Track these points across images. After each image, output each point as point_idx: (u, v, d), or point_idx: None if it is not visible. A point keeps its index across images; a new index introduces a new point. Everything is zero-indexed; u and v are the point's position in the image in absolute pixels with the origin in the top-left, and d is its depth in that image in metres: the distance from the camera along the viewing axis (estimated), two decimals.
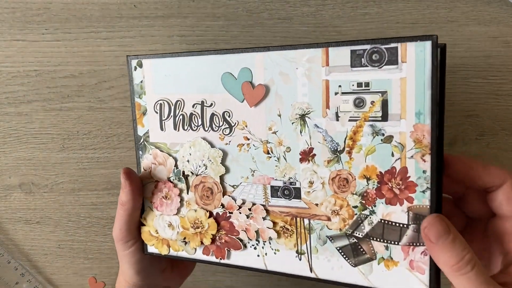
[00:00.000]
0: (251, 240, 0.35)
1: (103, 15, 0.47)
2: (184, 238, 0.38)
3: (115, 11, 0.47)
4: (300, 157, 0.32)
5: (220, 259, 0.37)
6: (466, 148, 0.48)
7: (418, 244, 0.30)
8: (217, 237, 0.36)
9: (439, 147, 0.29)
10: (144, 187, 0.39)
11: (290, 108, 0.32)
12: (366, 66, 0.29)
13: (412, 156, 0.29)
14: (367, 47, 0.29)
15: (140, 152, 0.38)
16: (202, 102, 0.35)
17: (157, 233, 0.39)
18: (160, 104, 0.37)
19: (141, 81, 0.37)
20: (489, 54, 0.45)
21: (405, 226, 0.30)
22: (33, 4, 0.48)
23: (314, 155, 0.32)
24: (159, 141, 0.37)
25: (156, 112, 0.37)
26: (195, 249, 0.38)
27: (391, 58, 0.29)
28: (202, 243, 0.37)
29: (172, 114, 0.36)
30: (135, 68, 0.37)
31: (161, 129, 0.37)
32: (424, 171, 0.28)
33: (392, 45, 0.28)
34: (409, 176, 0.29)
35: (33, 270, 0.55)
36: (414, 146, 0.29)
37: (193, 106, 0.35)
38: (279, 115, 0.33)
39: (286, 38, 0.46)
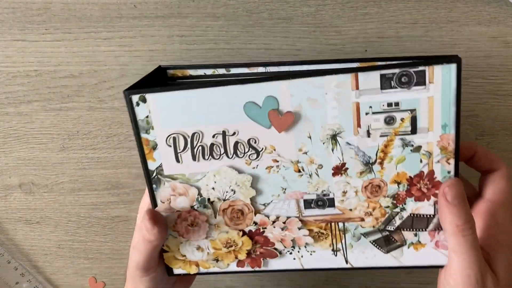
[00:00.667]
0: (286, 247, 0.43)
1: (103, 15, 0.51)
2: (216, 257, 0.43)
3: (115, 11, 0.50)
4: (333, 171, 0.38)
5: (256, 268, 0.44)
6: None
7: (442, 228, 0.39)
8: (252, 251, 0.42)
9: (457, 150, 0.37)
10: (166, 218, 0.41)
11: (321, 129, 0.37)
12: (396, 87, 0.35)
13: (438, 161, 0.37)
14: (397, 71, 0.34)
15: (155, 186, 0.40)
16: (224, 132, 0.38)
17: (184, 257, 0.43)
18: (174, 138, 0.38)
19: (147, 116, 0.37)
20: (489, 54, 0.51)
21: (431, 216, 0.39)
22: (33, 4, 0.51)
23: (347, 168, 0.38)
24: (176, 173, 0.40)
25: (170, 146, 0.39)
26: (228, 264, 0.45)
27: (419, 80, 0.34)
28: (236, 258, 0.43)
29: (189, 146, 0.38)
30: (138, 104, 0.37)
31: (177, 161, 0.39)
32: (448, 172, 0.37)
33: (421, 68, 0.34)
34: (436, 177, 0.37)
35: (33, 270, 0.61)
36: (440, 153, 0.36)
37: (213, 137, 0.38)
38: (309, 137, 0.37)
39: (286, 38, 0.50)
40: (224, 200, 0.41)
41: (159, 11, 0.50)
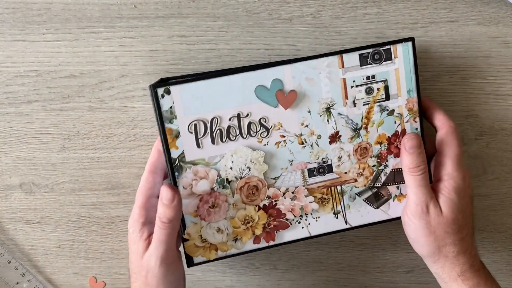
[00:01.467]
0: (296, 216, 0.51)
1: (104, 16, 0.53)
2: (235, 236, 0.50)
3: (116, 12, 0.53)
4: (329, 140, 0.49)
5: (270, 242, 0.52)
6: (465, 148, 0.59)
7: None
8: (267, 224, 0.50)
9: (421, 109, 0.50)
10: (186, 205, 0.48)
11: (317, 104, 0.48)
12: (371, 64, 0.47)
13: (407, 121, 0.50)
14: (370, 50, 0.47)
15: (177, 173, 0.47)
16: (239, 114, 0.47)
17: (204, 242, 0.49)
18: (195, 124, 0.46)
19: (171, 107, 0.45)
20: (488, 54, 0.54)
21: None
22: (33, 4, 0.53)
23: (340, 136, 0.49)
24: (196, 158, 0.47)
25: (191, 133, 0.46)
26: (246, 242, 0.51)
27: (387, 56, 0.48)
28: (254, 233, 0.50)
29: (209, 130, 0.46)
30: (163, 96, 0.45)
31: (198, 146, 0.47)
32: (416, 128, 0.50)
33: (387, 47, 0.47)
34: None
35: (33, 270, 0.62)
36: (408, 113, 0.49)
37: (229, 120, 0.47)
38: (309, 111, 0.48)
39: (286, 39, 0.54)
40: (241, 178, 0.48)
41: (159, 11, 0.53)
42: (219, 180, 0.48)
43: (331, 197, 0.51)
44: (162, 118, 0.46)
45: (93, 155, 0.57)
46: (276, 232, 0.51)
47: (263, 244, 0.51)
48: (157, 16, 0.53)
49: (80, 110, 0.56)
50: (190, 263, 0.50)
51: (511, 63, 0.55)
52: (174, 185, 0.47)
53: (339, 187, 0.51)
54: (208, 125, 0.47)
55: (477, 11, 0.53)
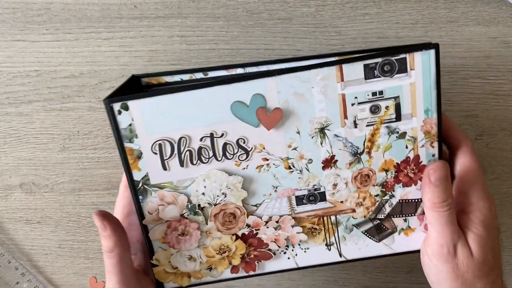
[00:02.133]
0: (280, 247, 0.45)
1: (104, 16, 0.54)
2: (209, 265, 0.45)
3: (116, 12, 0.54)
4: (323, 165, 0.42)
5: (250, 272, 0.47)
6: None
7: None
8: (246, 255, 0.45)
9: (440, 133, 0.41)
10: (153, 230, 0.43)
11: (309, 124, 0.40)
12: (379, 76, 0.39)
13: (423, 145, 0.41)
14: (379, 60, 0.38)
15: (141, 197, 0.42)
16: (212, 134, 0.40)
17: (175, 269, 0.45)
18: (160, 144, 0.40)
19: (130, 125, 0.39)
20: (488, 54, 0.54)
21: (419, 200, 0.43)
22: (33, 4, 0.54)
23: (336, 161, 0.42)
24: (163, 181, 0.41)
25: (155, 153, 0.40)
26: (222, 271, 0.47)
27: (401, 67, 0.38)
28: (230, 263, 0.45)
29: (176, 152, 0.40)
30: (119, 112, 0.38)
31: (164, 169, 0.41)
32: (433, 155, 0.41)
33: (402, 56, 0.38)
34: (421, 161, 0.42)
35: (33, 270, 0.65)
36: (424, 137, 0.41)
37: (201, 140, 0.40)
38: (298, 132, 0.40)
39: (286, 39, 0.54)
40: (215, 204, 0.43)
41: (159, 11, 0.54)
42: (189, 206, 0.42)
43: (323, 228, 0.44)
44: (120, 137, 0.40)
45: (93, 155, 0.59)
46: (258, 262, 0.45)
47: (242, 273, 0.46)
48: (157, 16, 0.54)
49: (80, 110, 0.58)
50: None
51: (511, 63, 0.55)
52: (103, 211, 0.41)
53: (333, 217, 0.44)
54: (176, 146, 0.40)
55: (477, 11, 0.53)
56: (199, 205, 0.42)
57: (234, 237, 0.44)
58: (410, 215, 0.44)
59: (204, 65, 0.54)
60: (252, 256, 0.45)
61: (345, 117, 0.40)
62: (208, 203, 0.43)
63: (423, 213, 0.44)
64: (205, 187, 0.42)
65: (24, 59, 0.56)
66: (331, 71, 0.38)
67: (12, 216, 0.63)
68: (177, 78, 0.46)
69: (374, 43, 0.54)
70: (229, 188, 0.42)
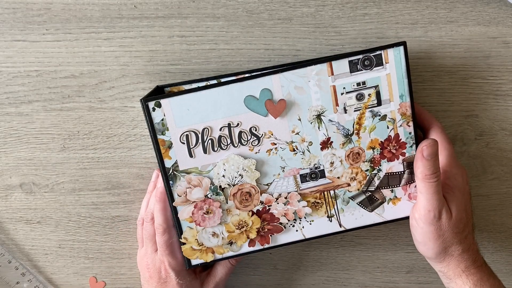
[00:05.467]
0: (289, 220, 0.61)
1: (104, 16, 0.62)
2: (230, 240, 0.60)
3: (116, 12, 0.62)
4: (321, 146, 0.58)
5: (265, 245, 0.63)
6: (465, 148, 0.68)
7: (412, 181, 0.60)
8: (261, 229, 0.61)
9: (414, 114, 0.58)
10: (182, 211, 0.58)
11: (308, 111, 0.56)
12: (361, 70, 0.56)
13: (400, 125, 0.58)
14: (360, 56, 0.55)
15: (171, 182, 0.57)
16: (229, 124, 0.56)
17: (201, 245, 0.60)
18: (187, 135, 0.56)
19: (162, 119, 0.55)
20: (488, 54, 0.62)
21: (402, 172, 0.60)
22: (33, 4, 0.62)
23: (332, 142, 0.58)
24: (190, 167, 0.57)
25: (183, 143, 0.56)
26: (241, 246, 0.62)
27: (378, 62, 0.56)
28: (248, 237, 0.61)
29: (200, 141, 0.56)
30: (154, 109, 0.55)
31: (191, 156, 0.57)
32: (410, 133, 0.58)
33: (378, 52, 0.55)
34: (401, 139, 0.58)
35: (33, 270, 0.73)
36: (401, 118, 0.58)
37: (220, 130, 0.56)
38: (299, 119, 0.57)
39: (286, 39, 0.63)
40: (234, 185, 0.58)
41: (160, 11, 0.62)
42: (212, 187, 0.58)
43: (324, 201, 0.60)
44: (154, 130, 0.56)
45: (93, 155, 0.68)
46: (271, 235, 0.61)
47: (258, 246, 0.61)
48: (157, 16, 0.62)
49: (80, 110, 0.66)
50: (189, 264, 0.61)
51: (510, 63, 0.63)
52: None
53: (332, 192, 0.60)
54: (200, 135, 0.56)
55: (477, 11, 0.61)
56: (220, 186, 0.58)
57: (250, 213, 0.59)
58: (395, 186, 0.60)
59: (204, 65, 0.63)
60: (266, 229, 0.61)
61: (337, 104, 0.57)
62: (228, 184, 0.58)
63: (406, 183, 0.60)
64: (225, 170, 0.58)
65: (24, 59, 0.64)
66: (323, 67, 0.55)
67: (12, 216, 0.71)
68: (194, 85, 0.62)
69: (374, 43, 0.63)
70: (245, 170, 0.58)
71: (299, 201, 0.60)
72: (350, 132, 0.58)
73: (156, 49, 0.63)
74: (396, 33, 0.62)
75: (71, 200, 0.70)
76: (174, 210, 0.59)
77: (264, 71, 0.56)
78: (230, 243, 0.61)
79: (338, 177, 0.60)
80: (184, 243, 0.60)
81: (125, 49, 0.63)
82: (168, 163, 0.57)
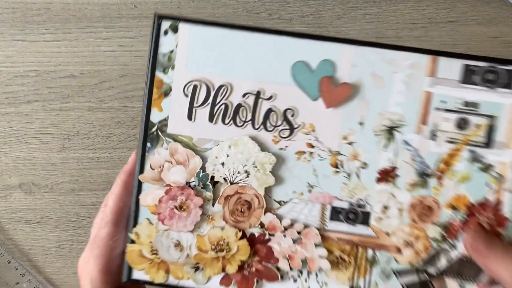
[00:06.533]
0: (292, 269, 0.42)
1: (103, 15, 0.64)
2: (197, 264, 0.42)
3: (115, 11, 0.64)
4: (378, 176, 0.40)
5: None
6: None
7: (496, 284, 0.40)
8: (246, 265, 0.42)
9: None
10: (146, 192, 0.41)
11: (377, 116, 0.39)
12: (478, 84, 0.38)
13: (510, 191, 0.40)
14: (484, 64, 0.38)
15: (149, 145, 0.41)
16: (258, 92, 0.40)
17: (154, 254, 0.42)
18: (195, 86, 0.40)
19: (171, 51, 0.40)
20: (489, 54, 0.57)
21: None
22: (33, 4, 0.64)
23: (396, 175, 0.40)
24: (182, 133, 0.41)
25: (186, 96, 0.40)
26: (210, 277, 0.44)
27: (508, 81, 0.38)
28: (223, 270, 0.43)
29: (210, 101, 0.40)
30: (166, 32, 0.40)
31: (189, 118, 0.40)
32: None
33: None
34: (503, 212, 0.39)
35: (33, 270, 0.73)
36: None
37: (243, 96, 0.40)
38: (361, 123, 0.39)
39: None
40: (232, 183, 0.41)
41: (159, 11, 0.59)
42: (201, 175, 0.41)
43: (353, 262, 0.42)
44: (155, 62, 0.40)
45: (93, 155, 0.68)
46: (257, 280, 0.42)
47: None
48: None
49: (80, 110, 0.67)
50: (128, 276, 0.43)
51: None
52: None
53: (370, 251, 0.41)
54: (212, 93, 0.40)
55: (477, 11, 0.62)
56: (212, 177, 0.41)
57: (239, 234, 0.41)
58: (469, 280, 0.41)
59: None
60: (253, 269, 0.42)
61: (424, 122, 0.39)
62: (224, 179, 0.41)
63: (490, 283, 0.42)
64: (227, 156, 0.41)
65: (24, 59, 0.66)
66: (422, 60, 0.38)
67: (11, 216, 0.71)
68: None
69: None
70: (256, 167, 0.41)
71: (317, 245, 0.41)
72: (429, 171, 0.40)
73: None
74: (396, 33, 0.63)
75: (70, 200, 0.70)
76: (138, 187, 0.42)
77: (333, 36, 0.41)
78: (196, 268, 0.42)
79: (388, 233, 0.41)
80: (132, 241, 0.43)
81: (125, 48, 0.65)
82: (155, 116, 0.41)
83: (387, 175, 0.40)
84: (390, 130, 0.39)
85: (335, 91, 0.39)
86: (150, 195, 0.41)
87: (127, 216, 0.44)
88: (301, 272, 0.42)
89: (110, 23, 0.64)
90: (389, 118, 0.39)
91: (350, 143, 0.40)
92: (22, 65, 0.66)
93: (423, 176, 0.39)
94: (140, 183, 0.41)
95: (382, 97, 0.39)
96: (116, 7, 0.64)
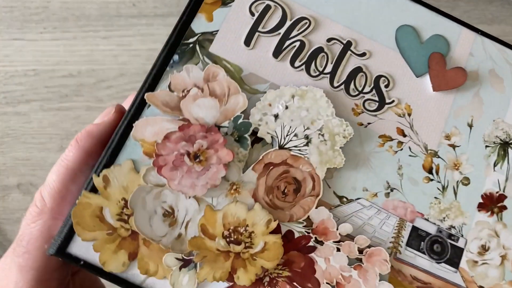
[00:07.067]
0: None
1: (102, 14, 0.63)
2: (191, 254, 0.26)
3: (114, 10, 0.63)
4: (481, 201, 0.29)
5: None
6: None
7: None
8: (268, 278, 0.26)
9: None
10: (144, 121, 0.27)
11: (491, 124, 0.30)
12: None
13: None
14: None
15: (176, 57, 0.28)
16: (349, 43, 0.30)
17: (122, 220, 0.26)
18: (268, 5, 0.30)
19: None
20: None
21: None
22: (31, 3, 0.64)
23: (505, 207, 0.29)
24: (230, 59, 0.29)
25: (252, 14, 0.30)
26: (201, 283, 0.27)
27: None
28: (230, 277, 0.26)
29: (282, 31, 0.30)
30: None
31: (247, 43, 0.29)
32: None
33: None
34: None
35: None
36: None
37: (328, 41, 0.30)
38: (470, 125, 0.30)
39: None
40: (281, 147, 0.28)
41: (158, 10, 0.63)
42: (240, 120, 0.28)
43: None
44: None
45: None
46: None
47: None
48: (156, 15, 0.63)
49: (78, 109, 0.65)
50: (59, 250, 0.26)
51: None
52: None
53: None
54: (288, 23, 0.30)
55: (480, 9, 0.61)
56: (255, 131, 0.28)
57: (273, 225, 0.26)
58: None
59: None
60: (279, 281, 0.27)
61: None
62: (272, 137, 0.28)
63: None
64: (286, 107, 0.28)
65: (22, 58, 0.64)
66: None
67: (9, 217, 0.68)
68: None
69: None
70: (322, 135, 0.28)
71: (380, 276, 0.27)
72: None
73: (155, 48, 0.64)
74: None
75: None
76: (135, 112, 0.27)
77: (455, 18, 0.33)
78: (186, 261, 0.26)
79: (481, 287, 0.29)
80: (94, 190, 0.26)
81: (124, 47, 0.64)
82: (199, 25, 0.29)
83: (492, 203, 0.29)
84: (504, 146, 0.30)
85: (447, 73, 0.30)
86: (151, 126, 0.27)
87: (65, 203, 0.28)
88: None
89: (109, 22, 0.63)
90: (505, 130, 0.30)
91: (453, 146, 0.29)
92: (20, 64, 0.64)
93: None
94: (142, 104, 0.27)
95: (499, 102, 0.31)
96: (115, 6, 0.63)
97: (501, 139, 0.30)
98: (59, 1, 0.63)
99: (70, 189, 0.28)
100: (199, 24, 0.29)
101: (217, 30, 0.29)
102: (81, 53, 0.64)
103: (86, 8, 0.63)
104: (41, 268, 0.27)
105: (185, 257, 0.25)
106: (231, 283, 0.26)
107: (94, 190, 0.26)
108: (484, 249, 0.28)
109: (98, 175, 0.26)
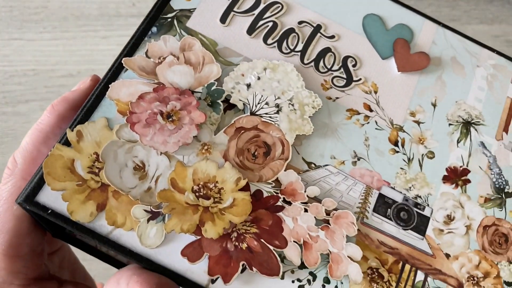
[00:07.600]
0: (302, 268, 0.27)
1: (102, 14, 0.65)
2: (159, 206, 0.26)
3: (114, 10, 0.65)
4: (446, 174, 0.30)
5: (216, 276, 0.26)
6: None
7: None
8: (236, 233, 0.27)
9: None
10: (120, 83, 0.28)
11: (454, 105, 0.32)
12: None
13: None
14: None
15: (155, 29, 0.30)
16: (319, 26, 0.32)
17: (93, 173, 0.26)
18: None
19: None
20: None
21: None
22: (31, 2, 0.64)
23: (468, 181, 0.30)
24: (206, 34, 0.30)
25: None
26: (168, 235, 0.26)
27: None
28: (197, 230, 0.26)
29: (257, 12, 0.32)
30: None
31: (222, 21, 0.31)
32: None
33: None
34: None
35: None
36: None
37: (299, 23, 0.32)
38: (434, 105, 0.32)
39: None
40: (253, 114, 0.29)
41: None
42: (213, 87, 0.29)
43: (394, 285, 0.29)
44: None
45: None
46: (244, 267, 0.26)
47: (200, 265, 0.26)
48: None
49: None
50: (28, 199, 0.26)
51: None
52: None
53: (420, 274, 0.28)
54: (261, 6, 0.32)
55: (480, 9, 0.63)
56: (227, 98, 0.29)
57: (242, 183, 0.27)
58: None
59: None
60: (244, 244, 0.26)
61: (506, 129, 0.32)
62: (244, 104, 0.29)
63: None
64: (259, 78, 0.29)
65: (21, 58, 0.64)
66: (507, 65, 0.34)
67: None
68: None
69: None
70: (292, 104, 0.29)
71: (347, 239, 0.28)
72: (507, 189, 0.31)
73: None
74: None
75: None
76: (112, 75, 0.28)
77: (418, 11, 0.35)
78: (154, 213, 0.26)
79: (448, 255, 0.29)
80: (67, 144, 0.27)
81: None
82: (177, 2, 0.31)
83: (456, 176, 0.30)
84: (467, 125, 0.31)
85: (411, 56, 0.32)
86: (127, 87, 0.28)
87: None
88: (313, 276, 0.27)
89: (109, 22, 0.64)
90: (467, 111, 0.32)
91: (417, 122, 0.31)
92: (20, 64, 0.65)
93: (501, 192, 0.30)
94: (119, 68, 0.28)
95: (461, 86, 0.32)
96: (114, 5, 0.64)
97: (463, 119, 0.32)
98: (59, 1, 0.65)
99: (41, 151, 0.28)
100: (178, 2, 0.31)
101: (195, 8, 0.31)
102: (81, 53, 0.65)
103: (85, 8, 0.64)
104: (11, 231, 0.27)
105: (153, 210, 0.26)
106: (198, 237, 0.26)
107: (67, 144, 0.27)
108: (449, 218, 0.29)
109: (72, 130, 0.27)
